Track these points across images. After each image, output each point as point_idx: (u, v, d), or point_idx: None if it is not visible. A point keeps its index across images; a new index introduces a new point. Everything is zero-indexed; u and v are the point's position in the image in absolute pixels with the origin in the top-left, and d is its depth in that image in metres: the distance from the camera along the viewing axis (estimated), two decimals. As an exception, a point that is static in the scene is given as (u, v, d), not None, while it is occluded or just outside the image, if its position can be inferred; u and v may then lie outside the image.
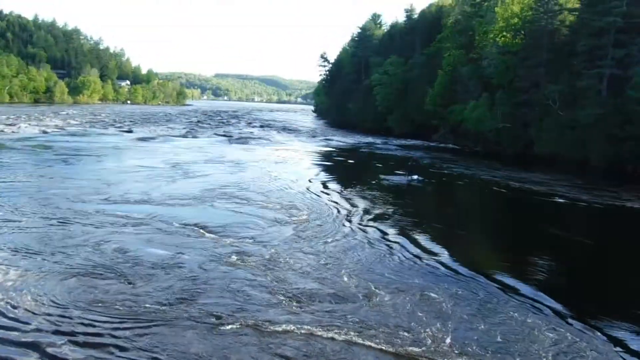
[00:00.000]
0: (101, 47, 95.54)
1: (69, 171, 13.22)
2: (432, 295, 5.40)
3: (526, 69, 24.30)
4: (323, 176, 13.99)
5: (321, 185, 11.85)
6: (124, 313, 4.74)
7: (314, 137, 32.88)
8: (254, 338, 4.43)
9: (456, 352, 4.23)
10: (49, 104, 65.38)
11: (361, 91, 43.68)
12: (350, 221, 8.41)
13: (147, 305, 4.91)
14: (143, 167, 14.77)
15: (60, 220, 8.05)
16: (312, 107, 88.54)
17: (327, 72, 60.31)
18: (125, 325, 4.49)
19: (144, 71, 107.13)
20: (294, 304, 5.14)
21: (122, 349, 4.10)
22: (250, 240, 7.39)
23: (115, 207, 9.20)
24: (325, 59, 60.70)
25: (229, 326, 4.60)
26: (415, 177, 14.51)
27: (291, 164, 16.05)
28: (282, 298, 5.29)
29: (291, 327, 4.55)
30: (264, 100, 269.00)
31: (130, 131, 28.24)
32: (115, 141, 21.97)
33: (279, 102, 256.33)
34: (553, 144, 21.61)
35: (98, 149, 18.46)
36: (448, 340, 4.42)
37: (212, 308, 4.99)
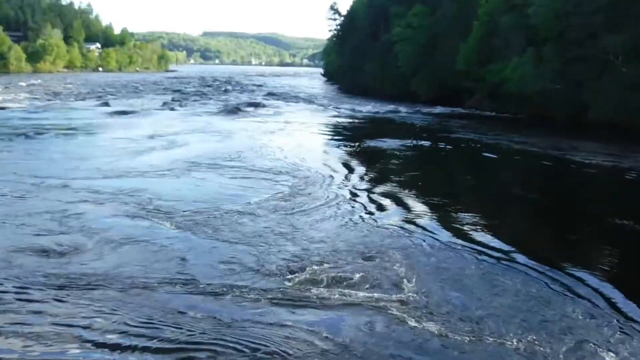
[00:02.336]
0: (63, 2, 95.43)
1: (33, 148, 13.89)
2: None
3: (581, 17, 23.89)
4: (335, 157, 14.56)
5: (338, 169, 12.48)
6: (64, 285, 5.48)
7: (323, 106, 33.21)
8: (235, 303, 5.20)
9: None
10: (3, 73, 65.62)
11: (379, 49, 43.35)
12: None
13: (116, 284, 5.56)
14: (120, 141, 15.56)
15: (19, 196, 8.79)
16: (320, 70, 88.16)
17: (338, 27, 59.78)
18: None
19: (116, 31, 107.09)
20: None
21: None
22: (239, 215, 8.04)
23: (84, 182, 9.92)
24: (336, 11, 60.08)
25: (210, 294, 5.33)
26: (421, 142, 16.37)
27: (297, 143, 16.62)
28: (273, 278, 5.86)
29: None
30: (263, 63, 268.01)
31: (106, 104, 28.75)
32: (87, 116, 22.59)
33: (281, 64, 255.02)
34: (613, 108, 21.42)
35: (67, 125, 19.16)
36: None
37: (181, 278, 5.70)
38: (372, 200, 9.57)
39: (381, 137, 18.20)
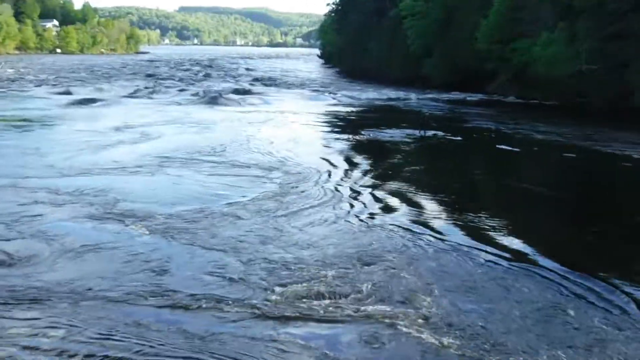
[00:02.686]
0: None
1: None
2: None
3: (623, -16, 23.93)
4: (332, 150, 14.78)
5: (337, 164, 12.72)
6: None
7: (320, 92, 33.51)
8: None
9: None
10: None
11: (386, 27, 43.56)
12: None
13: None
14: (83, 134, 15.74)
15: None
16: (317, 51, 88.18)
17: (338, 1, 59.99)
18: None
19: (77, 6, 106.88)
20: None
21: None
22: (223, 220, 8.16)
23: (40, 181, 10.05)
24: (335, -19, 60.35)
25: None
26: (429, 133, 17.07)
27: (289, 135, 16.88)
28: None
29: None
30: (250, 44, 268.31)
31: (67, 92, 28.87)
32: (45, 105, 22.74)
33: (271, 45, 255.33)
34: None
35: (21, 116, 19.31)
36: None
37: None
38: (372, 199, 9.74)
39: (385, 128, 18.46)
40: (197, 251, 6.93)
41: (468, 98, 31.64)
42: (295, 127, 18.96)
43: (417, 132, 17.36)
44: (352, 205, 9.26)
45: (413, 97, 31.11)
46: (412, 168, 13.01)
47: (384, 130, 18.02)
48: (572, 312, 5.56)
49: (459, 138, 17.72)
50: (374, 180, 11.27)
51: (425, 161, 14.39)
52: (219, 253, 6.89)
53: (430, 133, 17.42)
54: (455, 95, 32.75)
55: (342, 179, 11.19)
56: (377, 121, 20.61)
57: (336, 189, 10.27)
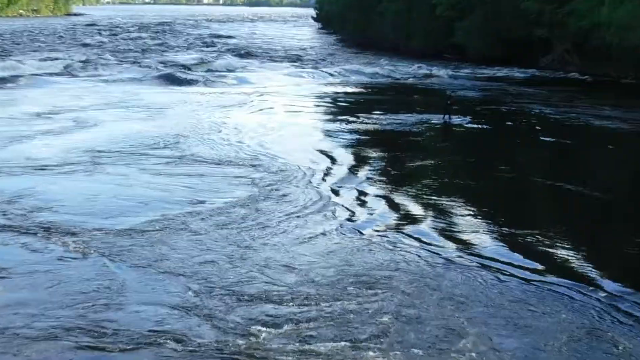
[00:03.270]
0: None
1: None
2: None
3: None
4: (325, 142, 14.98)
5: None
6: None
7: (315, 67, 33.75)
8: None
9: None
10: None
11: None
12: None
13: None
14: None
15: None
16: (311, 12, 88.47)
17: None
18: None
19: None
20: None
21: None
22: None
23: None
24: None
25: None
26: (456, 119, 17.81)
27: (272, 123, 17.11)
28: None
29: None
30: (221, 2, 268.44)
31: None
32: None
33: (250, 3, 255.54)
34: None
35: None
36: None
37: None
38: (374, 206, 9.99)
39: (399, 113, 18.80)
40: (143, 277, 7.05)
41: (514, 74, 31.96)
42: (280, 113, 19.27)
43: (440, 119, 17.80)
44: (347, 214, 9.46)
45: (441, 74, 31.46)
46: (427, 165, 13.29)
47: (398, 117, 18.32)
48: (604, 335, 5.93)
49: (493, 126, 17.99)
50: (377, 182, 11.49)
51: (444, 156, 14.65)
52: (172, 279, 6.99)
53: (456, 120, 17.84)
54: (497, 71, 33.11)
55: (336, 180, 11.41)
56: (390, 105, 20.84)
57: (327, 193, 10.48)
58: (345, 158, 13.30)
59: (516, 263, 7.74)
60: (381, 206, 10.02)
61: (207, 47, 46.44)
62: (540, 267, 7.65)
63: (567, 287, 7.06)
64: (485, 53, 35.91)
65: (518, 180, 12.42)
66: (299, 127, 17.08)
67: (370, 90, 25.94)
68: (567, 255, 8.13)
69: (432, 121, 17.77)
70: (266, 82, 27.00)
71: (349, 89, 25.74)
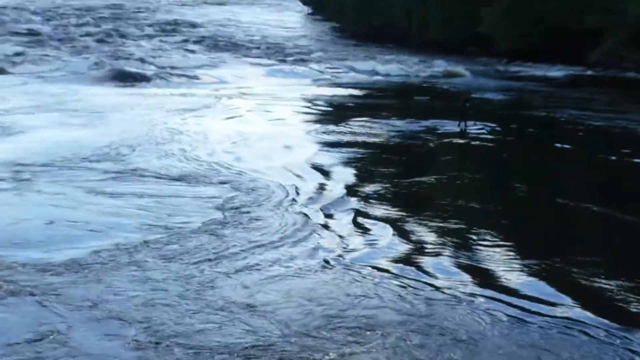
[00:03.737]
0: None
1: None
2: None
3: None
4: (308, 154, 15.28)
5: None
6: None
7: (305, 63, 34.08)
8: None
9: None
10: None
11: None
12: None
13: None
14: None
15: None
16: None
17: None
18: None
19: None
20: None
21: None
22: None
23: None
24: None
25: None
26: (472, 126, 18.10)
27: (244, 131, 17.38)
28: None
29: None
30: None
31: None
32: None
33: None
34: None
35: None
36: None
37: None
38: (361, 233, 10.16)
39: (404, 120, 19.10)
40: (79, 324, 7.03)
41: (554, 73, 32.30)
42: (256, 120, 19.48)
43: (455, 126, 18.05)
44: (335, 244, 9.56)
45: (463, 72, 31.89)
46: (436, 183, 13.49)
47: (404, 124, 18.59)
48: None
49: (519, 136, 18.17)
50: (374, 204, 11.61)
51: (457, 172, 14.73)
52: (114, 326, 6.99)
53: (474, 127, 18.05)
54: (533, 68, 33.46)
55: (322, 201, 11.56)
56: (395, 110, 21.04)
57: (311, 217, 10.59)
58: (336, 175, 13.52)
59: (545, 300, 7.94)
60: (377, 234, 10.15)
61: (168, 37, 46.36)
62: (569, 304, 7.82)
63: (605, 329, 7.17)
64: (518, 46, 35.97)
65: (545, 203, 12.54)
66: (280, 136, 17.29)
67: (371, 92, 26.23)
68: (605, 293, 8.27)
69: (446, 129, 18.01)
70: (240, 82, 27.27)
71: (345, 92, 25.97)
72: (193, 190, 11.83)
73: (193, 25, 56.67)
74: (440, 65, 33.89)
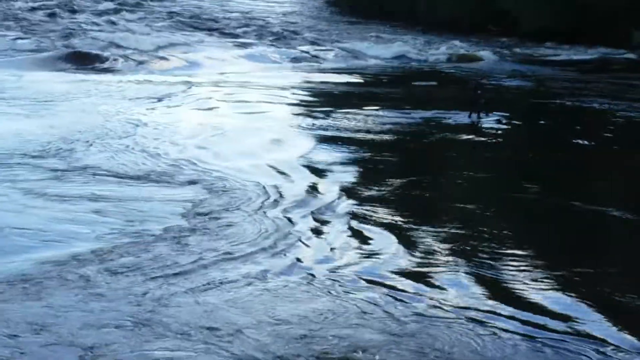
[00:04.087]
0: None
1: None
2: None
3: None
4: (295, 149, 15.54)
5: None
6: None
7: (295, 45, 34.38)
8: None
9: None
10: None
11: None
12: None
13: None
14: None
15: None
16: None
17: None
18: None
19: None
20: None
21: None
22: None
23: None
24: None
25: None
26: (487, 117, 18.32)
27: (219, 123, 17.63)
28: None
29: None
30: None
31: None
32: None
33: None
34: None
35: None
36: None
37: None
38: (349, 242, 10.22)
39: (409, 110, 19.36)
40: (17, 352, 6.96)
41: (586, 56, 32.58)
42: (233, 112, 19.65)
43: (466, 117, 18.32)
44: (318, 256, 9.66)
45: (482, 54, 32.19)
46: (440, 185, 13.75)
47: (403, 115, 18.82)
48: None
49: (541, 130, 18.44)
50: (365, 209, 11.70)
51: (466, 172, 14.85)
52: (57, 353, 6.98)
53: (488, 120, 18.22)
54: (564, 51, 33.81)
55: (305, 205, 11.70)
56: (393, 99, 21.33)
57: (291, 223, 10.73)
58: (325, 174, 13.71)
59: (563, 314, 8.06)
60: (373, 243, 10.26)
61: (133, 13, 46.14)
62: (591, 319, 7.98)
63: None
64: (547, 25, 36.35)
65: (566, 209, 12.61)
66: (260, 130, 17.45)
67: (369, 79, 26.40)
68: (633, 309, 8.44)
69: (456, 120, 18.23)
70: (215, 66, 27.60)
71: (338, 78, 26.11)
72: (157, 191, 11.94)
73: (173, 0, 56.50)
74: (452, 47, 34.27)
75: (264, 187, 12.20)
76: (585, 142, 17.36)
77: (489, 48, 33.60)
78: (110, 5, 49.32)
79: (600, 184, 14.68)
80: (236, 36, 37.46)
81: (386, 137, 16.92)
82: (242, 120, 18.73)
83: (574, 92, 23.58)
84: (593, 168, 15.85)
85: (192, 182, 12.43)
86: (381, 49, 33.31)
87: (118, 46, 30.55)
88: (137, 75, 24.76)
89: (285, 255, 9.59)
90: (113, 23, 39.73)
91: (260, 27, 41.29)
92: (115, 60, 26.83)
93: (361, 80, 26.18)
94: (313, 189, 12.54)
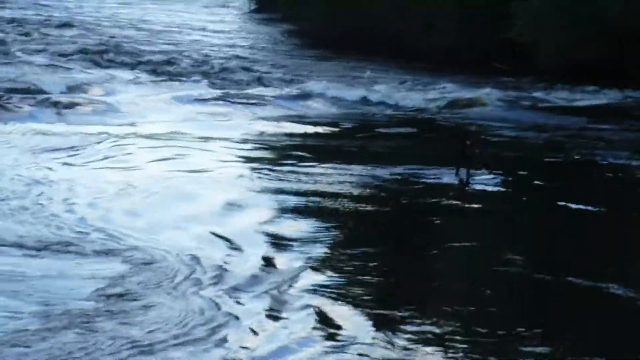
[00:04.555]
0: None
1: None
2: None
3: None
4: (241, 213, 15.80)
5: None
6: None
7: (245, 88, 34.69)
8: None
9: None
10: None
11: None
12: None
13: None
14: None
15: None
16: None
17: None
18: None
19: None
20: None
21: None
22: None
23: None
24: None
25: None
26: (477, 175, 18.28)
27: (149, 185, 17.72)
28: None
29: None
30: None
31: None
32: None
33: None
34: None
35: None
36: None
37: None
38: (316, 325, 10.31)
39: (383, 167, 19.64)
40: None
41: (610, 99, 33.20)
42: (162, 170, 19.91)
43: (452, 176, 18.51)
44: (256, 345, 9.65)
45: (485, 98, 32.69)
46: (415, 262, 13.84)
47: (379, 174, 19.09)
48: None
49: (537, 194, 18.50)
50: (330, 286, 11.83)
51: (449, 247, 14.96)
52: None
53: (479, 179, 18.41)
54: (591, 94, 34.29)
55: (244, 282, 11.76)
56: (359, 154, 21.88)
57: (226, 305, 10.77)
58: (273, 245, 13.80)
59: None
60: (338, 333, 10.31)
61: (40, 44, 47.07)
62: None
63: None
64: (570, 59, 36.69)
65: (556, 286, 12.96)
66: (194, 192, 17.71)
67: (338, 130, 27.00)
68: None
69: (439, 179, 18.38)
70: (141, 112, 27.96)
71: (299, 129, 26.64)
72: (58, 265, 11.96)
73: (83, 26, 56.78)
74: (448, 90, 34.53)
75: (197, 259, 12.31)
76: (589, 208, 17.55)
77: (493, 89, 33.91)
78: (20, 37, 50.31)
79: (601, 256, 14.79)
80: (172, 75, 37.90)
81: (345, 200, 17.19)
82: (172, 179, 18.91)
83: (588, 143, 23.99)
84: (594, 239, 16.00)
85: (107, 253, 12.47)
86: (358, 91, 33.59)
87: (21, 87, 30.68)
88: (41, 123, 24.87)
89: (222, 346, 9.59)
90: (6, 55, 39.81)
91: (203, 64, 41.83)
92: (14, 104, 26.86)
93: (319, 130, 26.57)
94: (268, 262, 12.67)
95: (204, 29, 58.76)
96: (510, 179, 19.02)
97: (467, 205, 17.13)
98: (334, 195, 17.60)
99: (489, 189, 18.06)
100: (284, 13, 63.53)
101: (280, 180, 18.78)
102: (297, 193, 17.84)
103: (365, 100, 32.22)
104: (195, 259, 12.52)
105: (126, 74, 36.84)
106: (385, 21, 45.81)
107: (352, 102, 31.70)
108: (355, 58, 42.96)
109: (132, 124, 25.73)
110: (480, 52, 40.93)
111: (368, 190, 17.85)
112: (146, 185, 17.76)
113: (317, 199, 17.39)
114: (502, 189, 18.23)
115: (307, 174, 19.25)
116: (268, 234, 14.45)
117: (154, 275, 11.68)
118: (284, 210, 16.33)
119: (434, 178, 18.46)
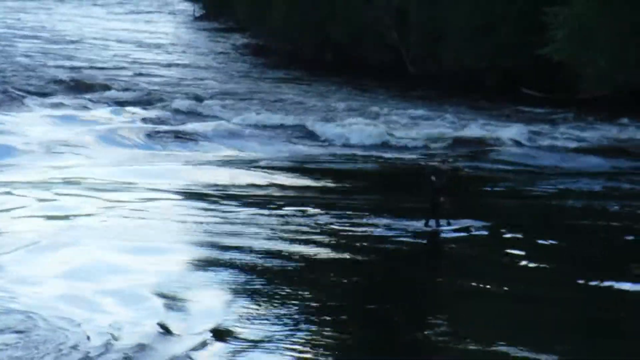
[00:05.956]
0: None
1: None
2: None
3: None
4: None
5: None
6: None
7: (185, 121, 34.91)
8: None
9: None
10: None
11: None
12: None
13: None
14: None
15: None
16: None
17: None
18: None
19: None
20: None
21: None
22: None
23: None
24: None
25: None
26: (453, 225, 19.01)
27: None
28: None
29: None
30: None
31: None
32: None
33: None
34: None
35: None
36: None
37: None
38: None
39: (354, 222, 20.02)
40: None
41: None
42: (61, 226, 20.18)
43: (422, 224, 19.11)
44: None
45: (505, 137, 32.56)
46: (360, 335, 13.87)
47: (348, 224, 19.64)
48: None
49: (536, 252, 18.19)
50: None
51: (412, 323, 14.85)
52: None
53: (452, 228, 18.94)
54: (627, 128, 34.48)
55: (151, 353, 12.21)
56: (337, 206, 22.40)
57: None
58: (184, 311, 14.13)
59: None
60: None
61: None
62: None
63: None
64: (626, 82, 36.44)
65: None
66: (94, 254, 17.69)
67: (300, 175, 27.15)
68: None
69: (405, 231, 18.57)
70: (42, 156, 27.95)
71: (243, 175, 26.63)
72: None
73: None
74: (457, 125, 34.60)
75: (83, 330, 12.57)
76: (594, 283, 17.01)
77: (518, 127, 33.79)
78: None
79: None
80: (88, 105, 37.97)
81: (304, 266, 17.34)
82: (91, 244, 18.67)
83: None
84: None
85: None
86: (331, 126, 33.66)
87: None
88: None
89: None
90: None
91: (126, 87, 41.92)
92: None
93: (289, 180, 26.44)
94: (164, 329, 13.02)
95: (135, 41, 59.26)
96: (489, 224, 19.42)
97: (442, 253, 18.99)
98: (286, 256, 17.89)
99: (465, 238, 18.62)
100: (238, 21, 63.39)
101: (217, 244, 18.95)
102: (228, 248, 18.37)
103: (344, 141, 32.24)
104: (93, 333, 12.76)
105: (29, 104, 37.16)
106: (376, 35, 46.03)
107: (322, 141, 32.09)
108: (331, 82, 43.10)
109: (26, 171, 25.58)
110: (504, 77, 40.81)
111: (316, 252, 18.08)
112: (36, 240, 18.24)
113: (253, 258, 17.71)
114: (486, 241, 18.56)
115: (248, 224, 20.32)
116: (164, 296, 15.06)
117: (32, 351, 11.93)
118: (209, 269, 16.93)
119: (404, 226, 19.31)
